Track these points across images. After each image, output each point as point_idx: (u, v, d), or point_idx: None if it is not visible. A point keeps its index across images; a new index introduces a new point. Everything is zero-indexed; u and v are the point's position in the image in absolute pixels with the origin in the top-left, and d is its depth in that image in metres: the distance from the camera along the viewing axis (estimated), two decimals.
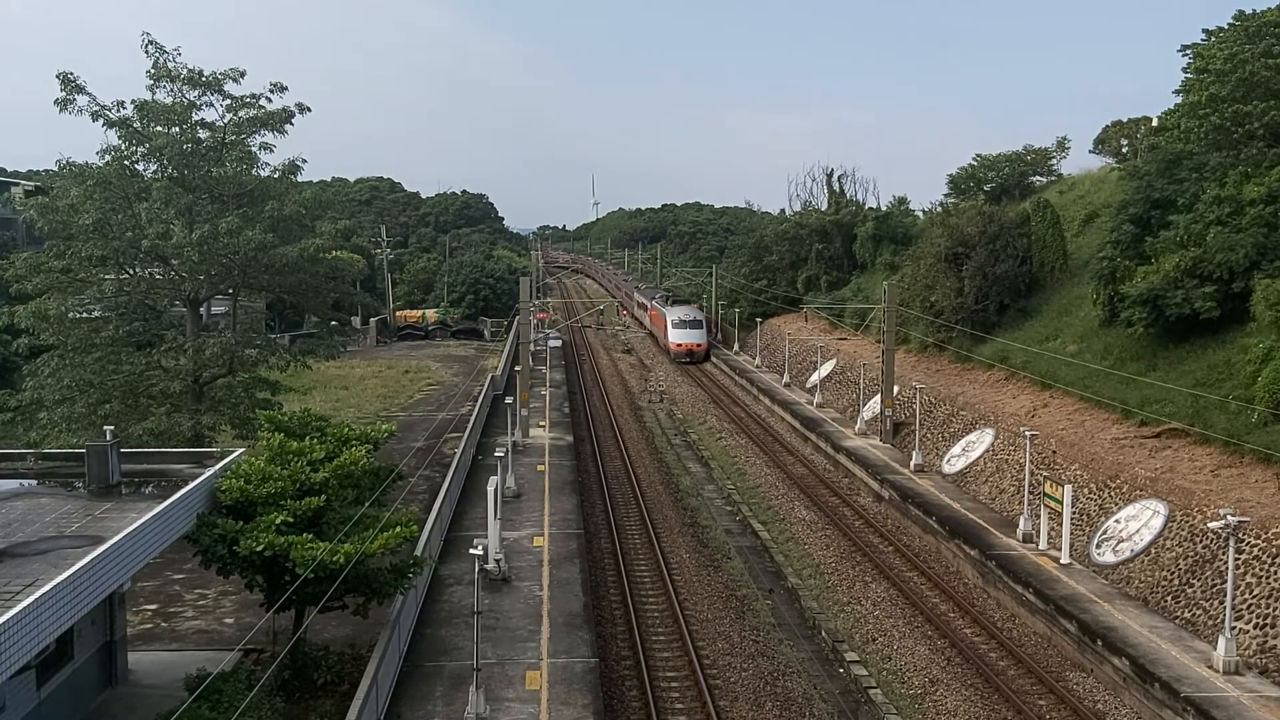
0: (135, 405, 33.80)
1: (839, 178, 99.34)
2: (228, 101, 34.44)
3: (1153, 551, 28.24)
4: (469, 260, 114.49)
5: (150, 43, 33.23)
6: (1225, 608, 22.80)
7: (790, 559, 33.29)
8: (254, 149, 35.47)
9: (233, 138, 34.90)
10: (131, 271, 35.01)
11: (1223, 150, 41.17)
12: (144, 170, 34.88)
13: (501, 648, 22.99)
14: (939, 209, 72.21)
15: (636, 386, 70.42)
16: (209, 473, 20.97)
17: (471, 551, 19.73)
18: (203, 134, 34.59)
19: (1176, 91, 45.27)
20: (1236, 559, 23.92)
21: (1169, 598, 26.49)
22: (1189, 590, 26.22)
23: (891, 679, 24.64)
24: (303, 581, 18.63)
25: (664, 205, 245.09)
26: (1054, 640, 26.19)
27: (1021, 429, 34.44)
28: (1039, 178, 72.60)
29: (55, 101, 31.69)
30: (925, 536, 34.86)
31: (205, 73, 33.88)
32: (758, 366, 73.37)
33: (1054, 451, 36.03)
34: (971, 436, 41.93)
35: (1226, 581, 23.06)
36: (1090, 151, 67.74)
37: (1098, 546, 30.09)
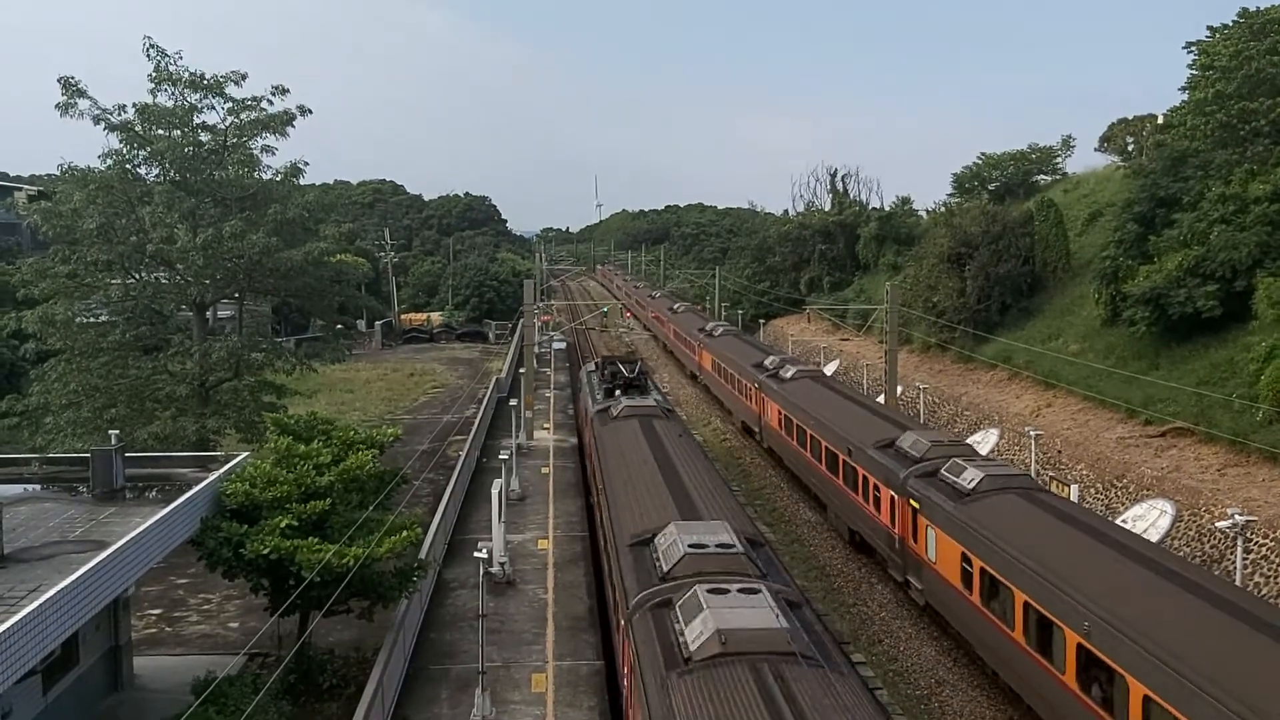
0: (141, 409, 33.83)
1: (842, 178, 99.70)
2: (229, 104, 34.55)
3: None
4: (473, 263, 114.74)
5: (151, 46, 33.33)
6: None
7: (795, 560, 33.21)
8: (255, 152, 35.56)
9: (234, 140, 34.95)
10: (137, 276, 35.08)
11: (1229, 148, 41.15)
12: (146, 174, 34.97)
13: (507, 651, 22.95)
14: (943, 209, 72.26)
15: None
16: (213, 476, 20.98)
17: (476, 554, 19.69)
18: (204, 137, 34.66)
19: (1182, 89, 45.24)
20: (1245, 558, 23.84)
21: None
22: None
23: (898, 680, 24.56)
24: (308, 585, 18.62)
25: (667, 207, 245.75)
26: None
27: (1026, 429, 34.36)
28: (1044, 176, 72.62)
29: (56, 106, 31.80)
30: None
31: (206, 76, 33.98)
32: None
33: (1059, 451, 35.96)
34: (976, 437, 41.81)
35: (1235, 581, 22.96)
36: (1095, 150, 67.83)
37: None
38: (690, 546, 18.44)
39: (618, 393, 39.55)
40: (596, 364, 47.58)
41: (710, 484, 25.73)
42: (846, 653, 18.83)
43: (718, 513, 21.97)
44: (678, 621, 15.68)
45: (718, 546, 18.52)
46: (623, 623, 18.02)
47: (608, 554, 23.13)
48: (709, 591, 15.93)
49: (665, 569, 18.36)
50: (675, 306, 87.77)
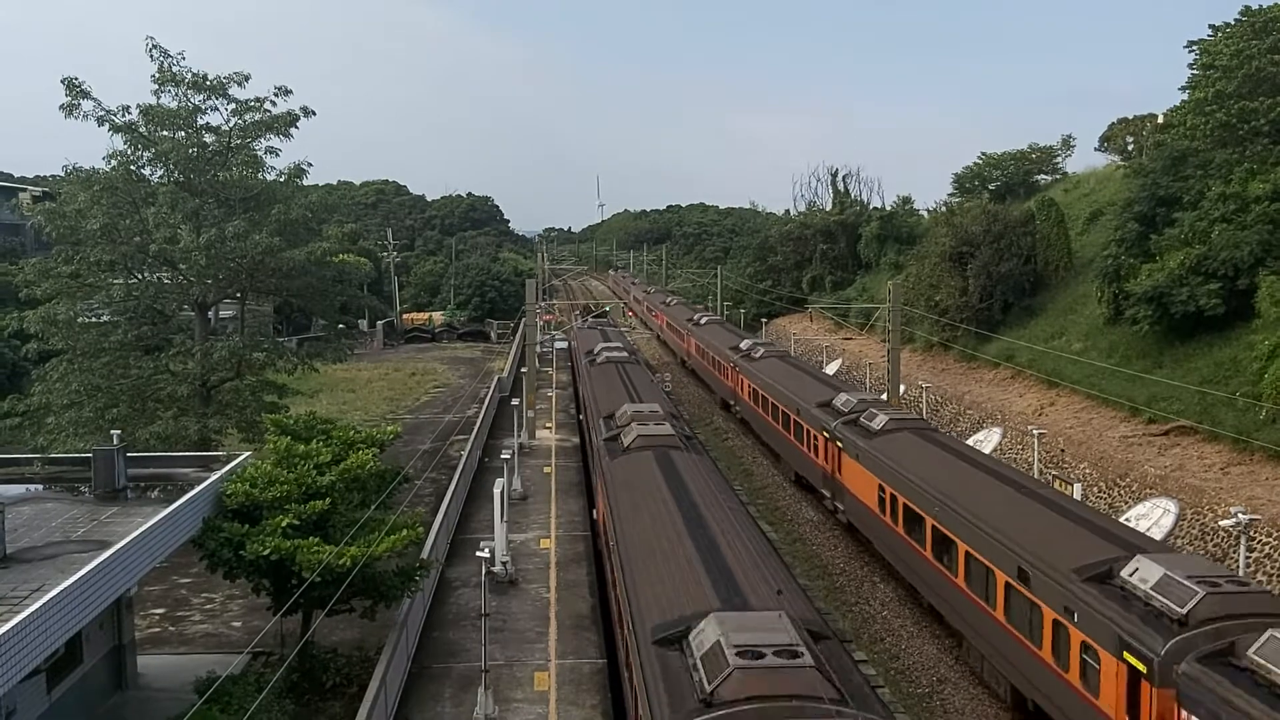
0: (142, 409, 33.79)
1: (843, 178, 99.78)
2: (232, 105, 34.52)
3: None
4: (475, 263, 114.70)
5: (154, 47, 33.31)
6: None
7: (798, 559, 33.23)
8: (260, 153, 35.55)
9: (238, 142, 34.96)
10: (139, 276, 35.09)
11: (1228, 147, 41.17)
12: (150, 175, 34.96)
13: (509, 649, 22.98)
14: (943, 208, 72.31)
15: None
16: (214, 477, 20.99)
17: (478, 554, 19.72)
18: (208, 138, 34.66)
19: (1183, 88, 45.30)
20: (1248, 557, 23.82)
21: None
22: None
23: (899, 678, 24.58)
24: (309, 585, 18.63)
25: (669, 206, 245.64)
26: None
27: (1030, 428, 34.34)
28: (1044, 176, 72.68)
29: (60, 107, 31.77)
30: None
31: (210, 77, 33.96)
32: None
33: (1062, 450, 35.94)
34: (979, 435, 41.84)
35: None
36: (1096, 149, 67.99)
37: None
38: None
39: (590, 317, 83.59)
40: (581, 313, 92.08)
41: (620, 332, 56.68)
42: None
43: (620, 340, 54.65)
44: None
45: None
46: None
47: (576, 368, 45.20)
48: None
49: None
50: (746, 347, 54.59)
